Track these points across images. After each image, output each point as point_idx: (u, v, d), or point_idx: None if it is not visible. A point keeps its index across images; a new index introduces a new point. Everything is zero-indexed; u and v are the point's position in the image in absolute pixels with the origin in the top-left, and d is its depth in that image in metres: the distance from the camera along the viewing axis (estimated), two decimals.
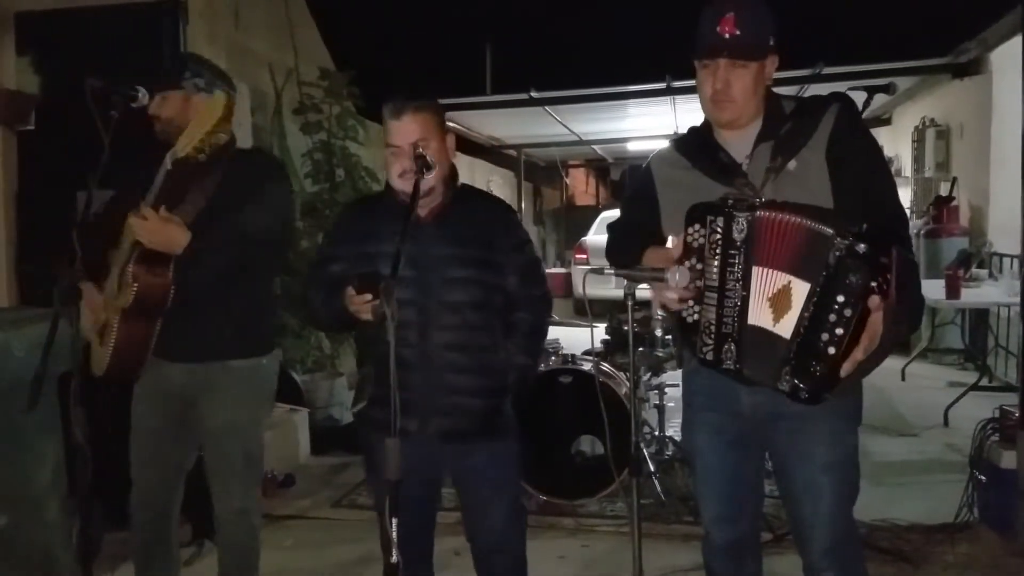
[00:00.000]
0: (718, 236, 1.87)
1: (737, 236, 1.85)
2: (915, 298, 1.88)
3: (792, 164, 1.91)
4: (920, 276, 2.02)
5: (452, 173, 2.27)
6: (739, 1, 1.90)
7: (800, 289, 1.76)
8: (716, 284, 1.89)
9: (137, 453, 2.55)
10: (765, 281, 1.83)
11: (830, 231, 1.70)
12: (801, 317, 1.74)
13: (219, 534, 2.63)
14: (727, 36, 1.89)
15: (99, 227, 2.56)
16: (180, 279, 2.36)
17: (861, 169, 1.91)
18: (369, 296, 1.91)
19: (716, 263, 1.88)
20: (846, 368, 1.70)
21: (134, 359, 2.43)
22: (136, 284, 2.30)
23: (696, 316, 1.94)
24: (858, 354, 1.69)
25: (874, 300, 1.65)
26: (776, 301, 1.81)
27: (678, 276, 1.94)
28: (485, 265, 2.23)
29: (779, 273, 1.80)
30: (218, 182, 2.41)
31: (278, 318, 2.73)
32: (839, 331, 1.69)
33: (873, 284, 1.66)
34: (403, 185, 2.13)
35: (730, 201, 1.87)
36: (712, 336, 1.92)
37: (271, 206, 2.50)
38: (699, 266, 1.91)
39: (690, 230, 1.92)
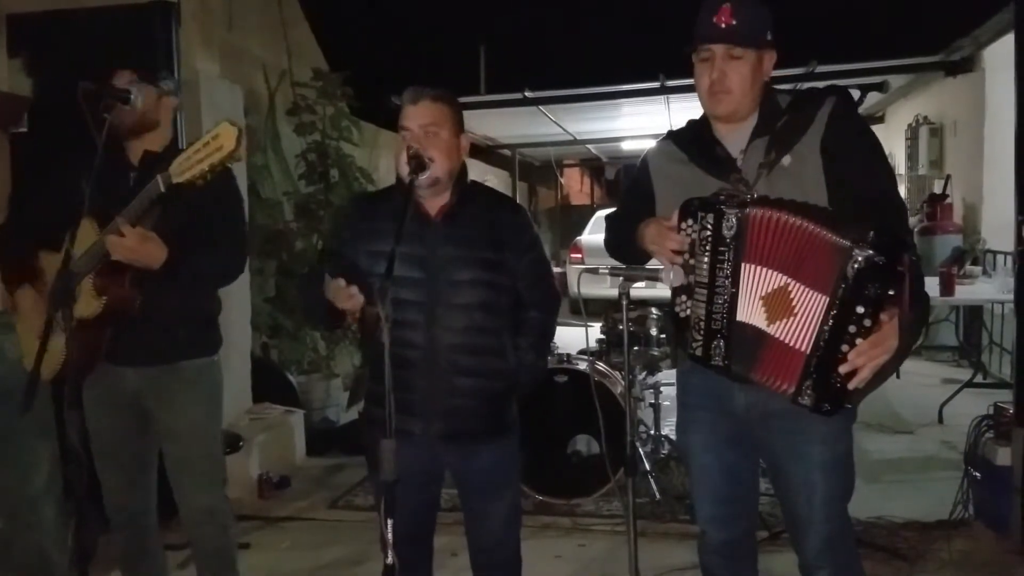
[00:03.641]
0: (708, 233, 1.88)
1: (727, 233, 1.85)
2: (922, 299, 1.88)
3: (787, 159, 1.91)
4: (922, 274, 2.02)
5: (462, 172, 2.26)
6: None
7: (809, 298, 1.75)
8: (706, 280, 1.90)
9: (99, 457, 2.53)
10: (757, 279, 1.83)
11: (847, 243, 1.69)
12: (820, 331, 1.74)
13: (190, 536, 2.62)
14: (723, 26, 1.91)
15: (27, 228, 2.55)
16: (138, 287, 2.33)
17: (857, 162, 1.91)
18: (355, 288, 1.92)
19: (706, 259, 1.89)
20: (862, 377, 1.71)
21: (85, 365, 2.38)
22: (105, 297, 2.28)
23: (688, 312, 1.95)
24: (874, 362, 1.70)
25: (891, 300, 1.66)
26: (772, 301, 1.81)
27: (672, 275, 1.95)
28: (495, 266, 2.21)
29: (775, 273, 1.81)
30: None
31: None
32: (859, 341, 1.70)
33: (891, 292, 1.66)
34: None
35: (722, 197, 1.88)
36: (702, 332, 1.93)
37: (220, 208, 2.47)
38: (691, 261, 1.92)
39: (683, 225, 1.93)
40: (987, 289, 5.72)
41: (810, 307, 1.76)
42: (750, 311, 1.85)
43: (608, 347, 4.69)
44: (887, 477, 4.41)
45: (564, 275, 11.38)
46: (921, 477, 4.44)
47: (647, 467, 4.15)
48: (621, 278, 2.34)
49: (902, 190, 8.69)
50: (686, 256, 1.93)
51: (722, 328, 1.89)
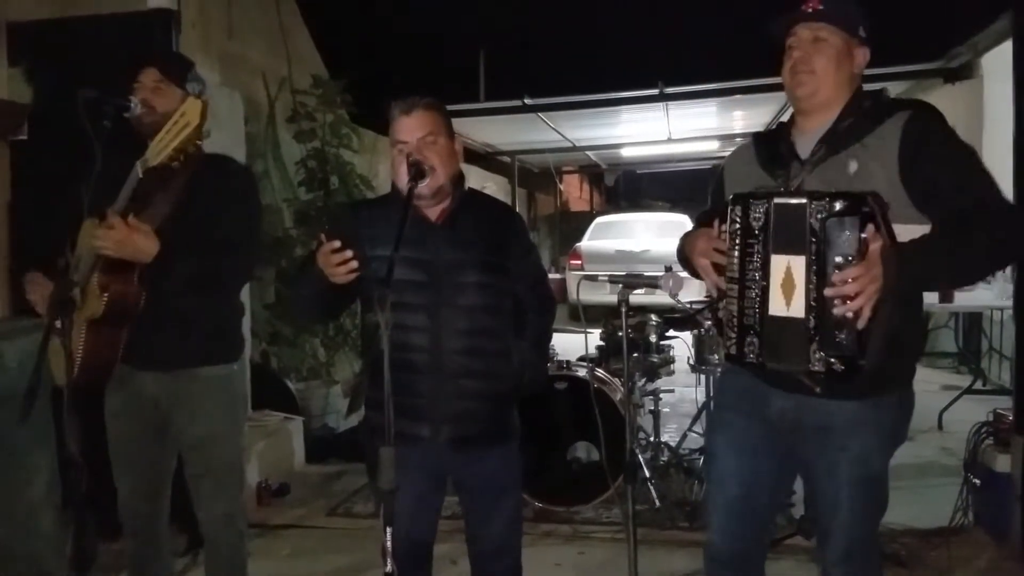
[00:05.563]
0: (737, 226, 1.86)
1: (755, 224, 1.82)
2: (952, 245, 1.77)
3: (853, 165, 1.86)
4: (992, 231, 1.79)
5: (460, 176, 2.26)
6: None
7: (798, 265, 1.75)
8: (737, 275, 1.86)
9: (117, 462, 2.53)
10: (779, 268, 1.81)
11: (803, 199, 1.72)
12: (807, 290, 1.73)
13: (205, 542, 2.62)
14: (810, 11, 1.94)
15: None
16: (148, 286, 2.31)
17: (945, 174, 1.81)
18: (338, 243, 1.90)
19: (736, 253, 1.86)
20: (854, 306, 1.68)
21: (103, 368, 2.38)
22: (107, 294, 2.26)
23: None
24: (857, 285, 1.66)
25: (867, 242, 1.66)
26: (785, 286, 1.79)
27: (671, 282, 1.95)
28: (496, 269, 2.22)
29: (784, 257, 1.79)
30: (184, 187, 2.36)
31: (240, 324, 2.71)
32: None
33: (864, 236, 1.66)
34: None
35: (756, 191, 1.87)
36: (735, 329, 1.88)
37: (238, 212, 2.48)
38: (725, 273, 1.90)
39: (723, 228, 1.91)
40: (986, 296, 5.72)
41: (800, 273, 1.75)
42: (777, 303, 1.81)
43: (607, 354, 4.69)
44: None
45: (563, 282, 11.40)
46: (921, 484, 4.42)
47: (647, 474, 4.14)
48: (620, 285, 2.36)
49: None
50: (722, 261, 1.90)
51: (754, 324, 1.84)
